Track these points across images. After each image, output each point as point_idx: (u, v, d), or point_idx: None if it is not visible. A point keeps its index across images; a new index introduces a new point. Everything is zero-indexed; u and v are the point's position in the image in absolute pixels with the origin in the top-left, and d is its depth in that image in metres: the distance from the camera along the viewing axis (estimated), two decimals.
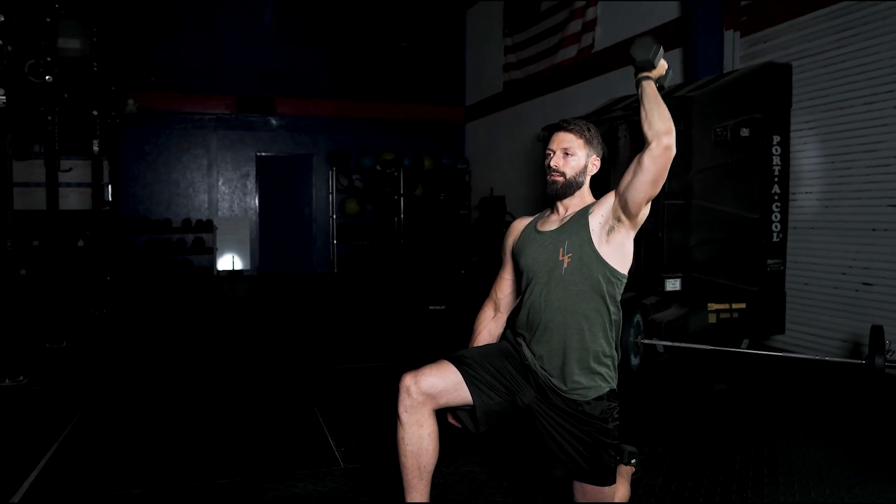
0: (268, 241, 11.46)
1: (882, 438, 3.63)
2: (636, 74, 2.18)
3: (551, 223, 2.34)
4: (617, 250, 2.20)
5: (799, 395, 4.46)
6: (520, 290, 2.41)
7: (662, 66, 2.20)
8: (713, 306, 4.85)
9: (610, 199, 2.21)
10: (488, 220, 10.34)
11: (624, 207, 2.14)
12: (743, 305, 4.91)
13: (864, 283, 4.87)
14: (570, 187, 2.28)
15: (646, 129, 2.08)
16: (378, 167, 11.27)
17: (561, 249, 2.23)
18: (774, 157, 4.90)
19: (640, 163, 2.07)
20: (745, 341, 5.05)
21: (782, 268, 5.01)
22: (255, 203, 11.34)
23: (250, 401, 4.30)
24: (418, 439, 2.17)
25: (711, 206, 4.80)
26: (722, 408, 4.15)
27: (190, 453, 3.37)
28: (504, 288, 2.54)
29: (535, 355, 2.27)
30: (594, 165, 2.33)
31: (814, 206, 5.29)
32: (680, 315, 4.78)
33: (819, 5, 5.18)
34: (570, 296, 2.21)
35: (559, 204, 2.32)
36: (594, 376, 2.20)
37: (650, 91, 2.12)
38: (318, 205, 11.57)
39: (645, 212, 2.16)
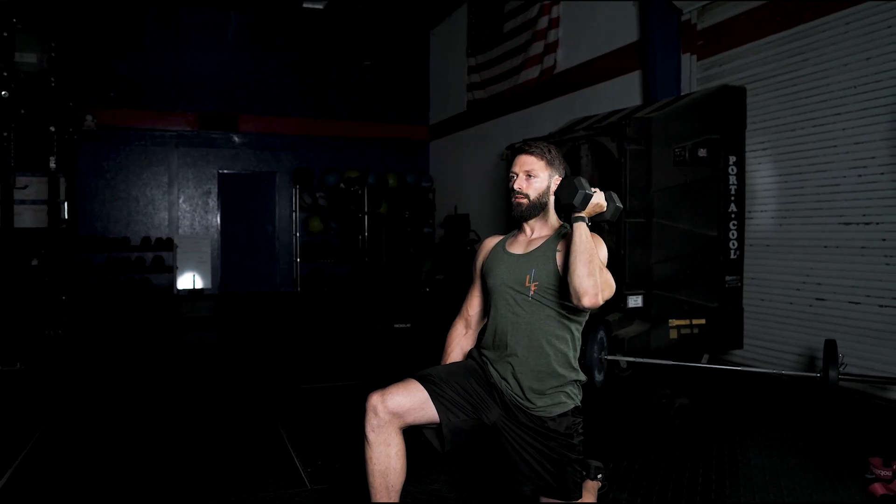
0: (230, 260, 11.29)
1: (836, 447, 3.74)
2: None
3: (519, 244, 2.39)
4: None
5: (758, 407, 4.57)
6: (489, 308, 2.44)
7: (597, 203, 2.19)
8: (674, 322, 4.93)
9: None
10: (453, 238, 10.37)
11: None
12: (703, 321, 5.00)
13: (818, 299, 5.02)
14: (535, 209, 2.34)
15: (571, 281, 2.08)
16: (342, 185, 11.24)
17: (528, 276, 2.28)
18: (731, 177, 5.03)
19: (578, 300, 2.11)
20: (705, 356, 5.15)
21: (740, 284, 5.13)
22: (216, 221, 11.19)
23: (214, 422, 4.23)
24: (386, 458, 2.17)
25: (671, 224, 4.90)
26: (684, 421, 4.22)
27: (151, 477, 3.30)
28: (475, 305, 2.57)
29: (500, 375, 2.30)
30: (556, 185, 2.38)
31: (769, 224, 5.45)
32: (642, 331, 4.85)
33: (772, 31, 5.37)
34: (536, 319, 2.25)
35: (525, 225, 2.37)
36: (559, 395, 2.24)
37: (578, 236, 2.12)
38: (282, 223, 11.47)
39: None
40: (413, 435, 2.31)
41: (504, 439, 2.27)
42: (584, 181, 2.20)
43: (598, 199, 2.20)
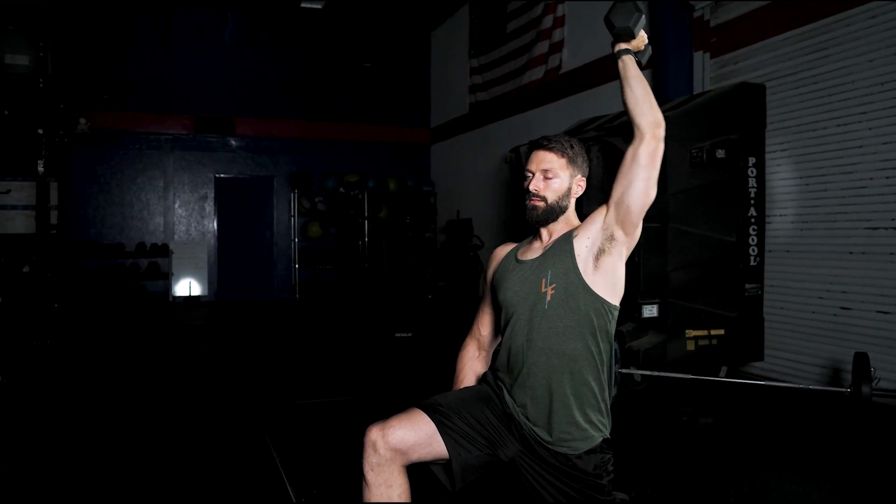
0: (227, 266, 11.05)
1: (873, 472, 3.47)
2: (613, 47, 1.97)
3: (534, 251, 2.10)
4: (607, 278, 1.98)
5: (784, 425, 4.30)
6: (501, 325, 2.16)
7: (642, 38, 1.99)
8: (691, 333, 4.67)
9: (599, 218, 1.98)
10: (455, 243, 10.13)
11: (623, 219, 1.92)
12: (721, 332, 4.74)
13: (842, 308, 4.76)
14: (552, 213, 2.04)
15: (637, 117, 1.88)
16: (341, 189, 11.00)
17: (544, 280, 1.99)
18: (750, 179, 4.77)
19: (635, 160, 1.88)
20: (724, 369, 4.89)
21: (760, 292, 4.86)
22: (213, 226, 10.95)
23: (201, 442, 3.95)
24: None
25: (688, 229, 4.64)
26: (708, 442, 3.95)
27: None
28: (486, 324, 2.27)
29: (517, 403, 2.01)
30: (579, 187, 2.09)
31: (789, 228, 5.19)
32: (657, 342, 4.59)
33: (790, 26, 5.13)
34: (555, 334, 1.96)
35: (542, 230, 2.08)
36: (585, 426, 1.95)
37: (634, 69, 1.93)
38: (280, 228, 11.22)
39: (640, 226, 1.96)
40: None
41: (524, 478, 1.99)
42: (640, 5, 1.97)
43: (644, 33, 2.00)
